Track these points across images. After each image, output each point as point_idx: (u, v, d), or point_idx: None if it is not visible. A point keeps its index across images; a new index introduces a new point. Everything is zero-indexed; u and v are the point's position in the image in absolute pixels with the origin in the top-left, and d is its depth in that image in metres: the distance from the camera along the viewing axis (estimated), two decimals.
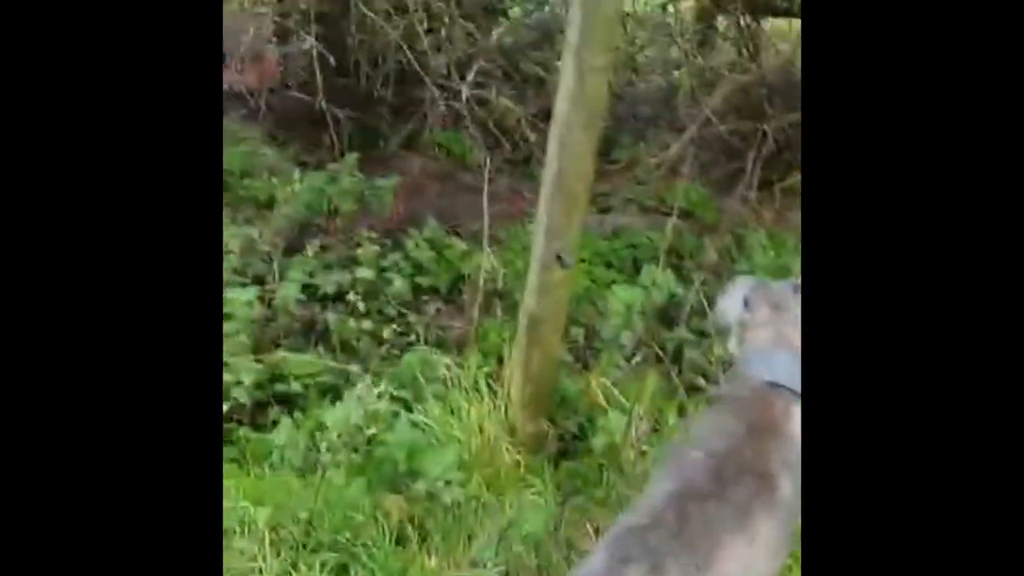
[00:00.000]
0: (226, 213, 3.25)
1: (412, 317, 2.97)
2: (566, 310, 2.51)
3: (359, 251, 3.13)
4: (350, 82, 3.76)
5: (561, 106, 2.26)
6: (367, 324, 2.73)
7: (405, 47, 3.24)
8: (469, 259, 3.33)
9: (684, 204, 4.01)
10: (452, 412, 2.44)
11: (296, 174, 3.43)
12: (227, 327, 2.47)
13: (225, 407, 2.32)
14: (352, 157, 3.37)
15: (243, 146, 3.78)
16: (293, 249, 3.19)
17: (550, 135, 2.32)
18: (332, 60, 3.14)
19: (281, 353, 2.51)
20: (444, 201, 3.78)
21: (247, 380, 2.33)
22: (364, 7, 3.22)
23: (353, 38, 3.39)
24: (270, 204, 3.46)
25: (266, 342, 2.71)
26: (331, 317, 2.73)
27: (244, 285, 2.82)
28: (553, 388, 2.54)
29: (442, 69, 3.39)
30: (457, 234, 3.58)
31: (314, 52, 3.11)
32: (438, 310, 3.08)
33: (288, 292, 2.65)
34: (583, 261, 3.39)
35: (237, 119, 3.96)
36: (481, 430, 2.42)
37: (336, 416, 2.01)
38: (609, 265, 3.50)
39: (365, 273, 2.85)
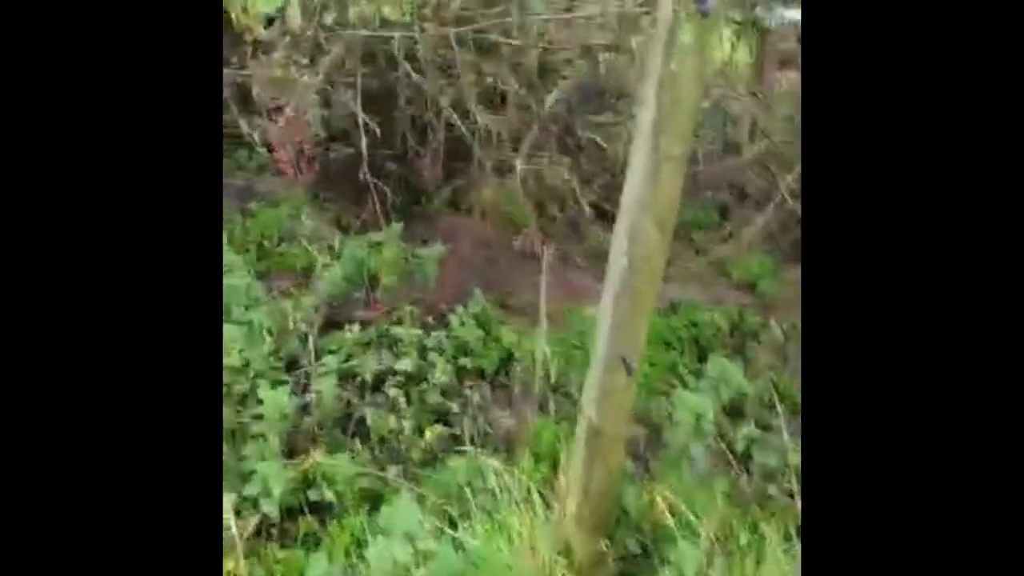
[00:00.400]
0: (262, 283, 3.07)
1: (455, 406, 2.73)
2: (629, 417, 2.26)
3: (400, 329, 2.92)
4: (397, 150, 3.57)
5: (631, 197, 2.02)
6: (408, 422, 2.50)
7: (456, 116, 3.03)
8: (517, 338, 3.10)
9: (747, 276, 3.75)
10: (501, 530, 2.19)
11: (336, 239, 3.24)
12: (256, 428, 2.26)
13: (253, 521, 2.10)
14: (396, 227, 3.17)
15: (282, 207, 3.61)
16: (331, 323, 2.99)
17: (617, 227, 2.08)
18: (378, 131, 2.96)
19: (315, 458, 2.28)
20: (492, 270, 3.56)
21: (277, 490, 2.11)
22: (409, 67, 3.02)
23: (398, 103, 3.20)
24: (308, 271, 3.28)
25: (299, 436, 2.49)
26: (369, 412, 2.51)
27: (275, 369, 2.62)
28: (614, 504, 2.28)
29: (493, 137, 3.18)
30: (504, 306, 3.37)
31: (360, 121, 2.93)
32: (483, 399, 2.84)
33: (325, 388, 2.43)
34: None
35: (277, 180, 3.79)
36: (533, 550, 2.17)
37: (379, 555, 1.77)
38: (668, 345, 3.24)
39: (405, 365, 2.62)
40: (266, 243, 3.39)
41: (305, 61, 3.08)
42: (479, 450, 2.53)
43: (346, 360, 2.75)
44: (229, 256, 3.00)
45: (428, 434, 2.46)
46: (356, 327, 2.92)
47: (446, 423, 2.69)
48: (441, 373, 2.76)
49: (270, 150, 3.49)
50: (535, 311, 3.32)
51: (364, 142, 2.90)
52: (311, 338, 2.80)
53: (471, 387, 2.85)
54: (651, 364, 3.08)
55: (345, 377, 2.69)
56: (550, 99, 3.14)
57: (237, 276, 2.83)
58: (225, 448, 2.24)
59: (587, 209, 3.26)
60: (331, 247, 3.28)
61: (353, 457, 2.41)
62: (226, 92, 3.39)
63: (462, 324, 3.02)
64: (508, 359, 3.04)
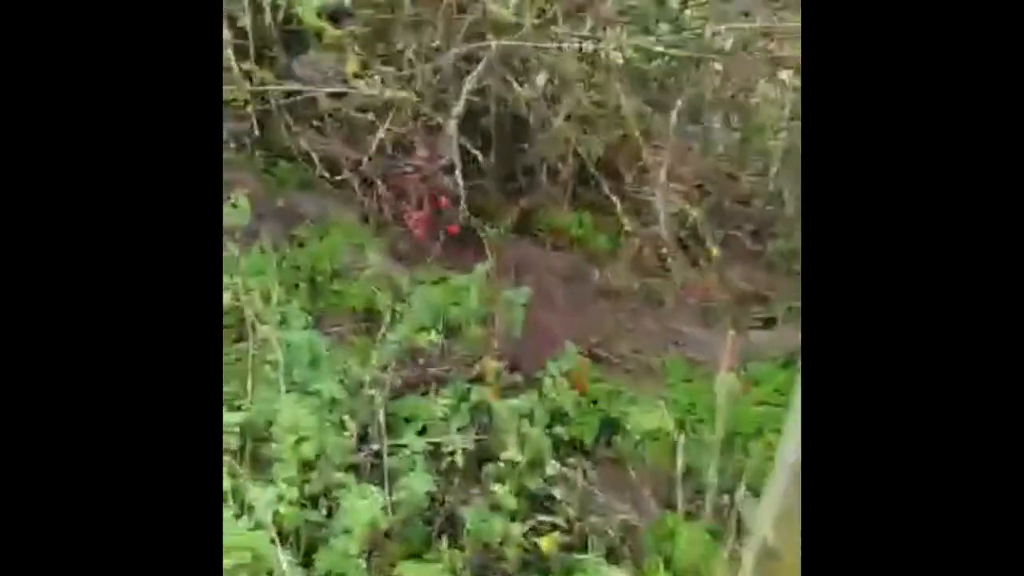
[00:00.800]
0: (319, 331, 2.61)
1: (560, 492, 2.26)
2: None
3: (486, 391, 2.45)
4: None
5: None
6: (515, 525, 2.02)
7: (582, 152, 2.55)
8: (618, 399, 2.63)
9: None
10: None
11: (406, 280, 2.77)
12: (335, 539, 1.79)
13: None
14: (483, 269, 2.69)
15: (334, 233, 3.14)
16: (404, 382, 2.53)
17: None
18: (480, 157, 2.49)
19: (402, 572, 1.81)
20: (577, 312, 3.09)
21: None
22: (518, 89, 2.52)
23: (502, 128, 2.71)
24: (371, 313, 2.81)
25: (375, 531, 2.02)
26: (467, 513, 2.04)
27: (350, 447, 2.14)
28: None
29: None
30: (593, 356, 2.89)
31: (455, 144, 2.44)
32: (589, 481, 2.37)
33: (415, 484, 1.95)
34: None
35: (325, 202, 3.31)
36: None
37: None
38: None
39: (512, 454, 2.14)
40: (319, 279, 2.91)
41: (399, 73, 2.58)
42: (595, 553, 2.07)
43: (422, 431, 2.29)
44: (279, 295, 2.53)
45: (546, 543, 1.98)
46: (432, 389, 2.46)
47: (546, 509, 2.23)
48: (539, 450, 2.29)
49: (328, 175, 2.98)
50: (632, 364, 2.87)
51: (459, 172, 2.43)
52: (382, 402, 2.33)
53: (573, 465, 2.37)
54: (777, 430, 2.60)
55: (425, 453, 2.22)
56: (672, 120, 2.68)
57: (295, 328, 2.37)
58: (294, 558, 1.77)
59: (715, 249, 2.77)
60: (396, 286, 2.81)
61: (444, 567, 1.95)
62: (271, 101, 2.93)
63: (554, 384, 2.55)
64: (608, 426, 2.57)
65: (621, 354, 2.83)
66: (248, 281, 2.51)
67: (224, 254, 2.62)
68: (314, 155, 2.84)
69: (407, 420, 2.36)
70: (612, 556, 2.09)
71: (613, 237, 3.52)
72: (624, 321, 3.01)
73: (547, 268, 3.28)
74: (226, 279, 2.45)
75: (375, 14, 2.78)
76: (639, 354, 2.81)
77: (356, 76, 2.57)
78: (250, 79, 2.64)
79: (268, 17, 2.56)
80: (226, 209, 2.52)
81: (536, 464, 2.31)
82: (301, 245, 3.06)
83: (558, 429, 2.49)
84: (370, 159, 2.72)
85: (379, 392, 2.34)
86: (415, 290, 2.73)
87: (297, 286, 2.84)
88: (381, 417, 2.28)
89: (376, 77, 2.58)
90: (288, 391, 2.15)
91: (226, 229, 2.52)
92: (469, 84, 2.43)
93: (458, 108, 2.47)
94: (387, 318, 2.56)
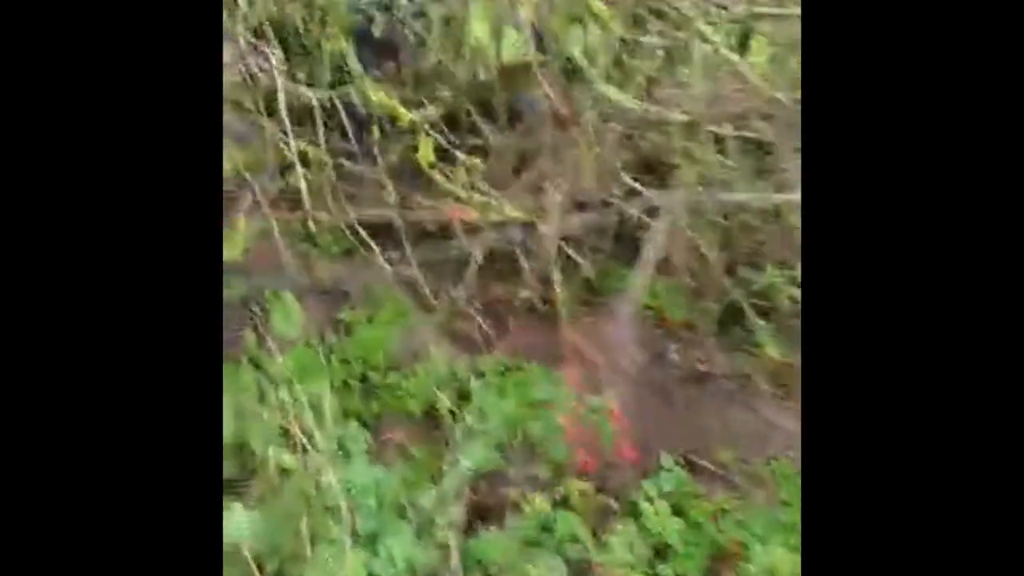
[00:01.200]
0: (370, 440, 2.26)
1: None
2: None
3: (573, 519, 2.09)
4: None
5: None
6: None
7: None
8: (725, 521, 2.26)
9: None
10: None
11: (472, 380, 2.41)
12: None
13: None
14: (571, 374, 2.33)
15: (383, 314, 2.77)
16: (478, 509, 2.17)
17: None
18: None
19: None
20: (661, 405, 2.71)
21: None
22: None
23: None
24: (431, 416, 2.45)
25: None
26: None
27: None
28: None
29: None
30: (691, 465, 2.49)
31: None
32: None
33: None
34: None
35: (370, 271, 2.93)
36: None
37: None
38: None
39: None
40: (371, 373, 2.55)
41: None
42: None
43: None
44: (333, 407, 2.18)
45: None
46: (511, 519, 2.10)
47: None
48: None
49: None
50: (739, 474, 2.49)
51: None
52: (454, 548, 1.97)
53: None
54: None
55: None
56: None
57: (356, 453, 2.01)
58: None
59: None
60: (460, 380, 2.46)
61: None
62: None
63: (656, 512, 2.18)
64: (717, 555, 2.20)
65: (722, 462, 2.45)
66: (295, 390, 2.16)
67: (266, 358, 2.29)
68: (376, 248, 2.46)
69: (479, 561, 2.00)
70: None
71: (690, 307, 3.15)
72: (721, 417, 2.62)
73: (619, 346, 2.90)
74: (271, 392, 2.11)
75: (457, 98, 2.40)
76: (747, 464, 2.43)
77: (431, 167, 2.20)
78: (305, 162, 2.28)
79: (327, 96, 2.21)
80: (271, 306, 2.18)
81: None
82: (348, 332, 2.69)
83: (661, 568, 2.12)
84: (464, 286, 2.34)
85: (453, 533, 1.99)
86: (484, 390, 2.36)
87: (347, 383, 2.48)
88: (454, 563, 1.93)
89: (462, 169, 2.19)
90: (352, 544, 1.79)
91: (274, 335, 2.18)
92: (653, 252, 2.05)
93: (638, 285, 2.08)
94: (456, 432, 2.20)
